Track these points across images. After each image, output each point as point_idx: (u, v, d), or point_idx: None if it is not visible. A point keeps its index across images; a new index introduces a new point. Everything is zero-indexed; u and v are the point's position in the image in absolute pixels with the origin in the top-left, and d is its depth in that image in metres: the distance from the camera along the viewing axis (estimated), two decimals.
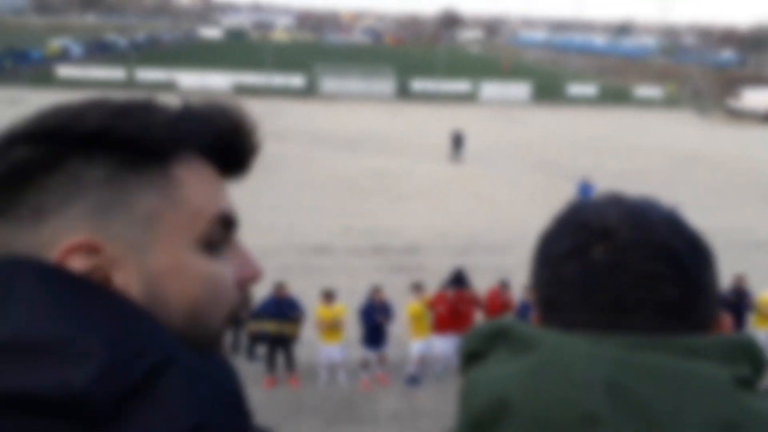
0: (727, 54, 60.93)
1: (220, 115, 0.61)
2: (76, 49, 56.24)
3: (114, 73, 42.02)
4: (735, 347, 0.63)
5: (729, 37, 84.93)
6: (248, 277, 0.62)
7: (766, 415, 0.59)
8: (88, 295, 0.49)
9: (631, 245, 0.65)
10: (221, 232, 0.59)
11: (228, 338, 9.07)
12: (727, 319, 0.71)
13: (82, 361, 0.44)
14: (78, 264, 0.51)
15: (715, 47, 74.76)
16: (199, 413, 0.47)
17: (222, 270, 0.58)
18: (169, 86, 39.16)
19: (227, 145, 0.61)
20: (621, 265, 0.65)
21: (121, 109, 0.55)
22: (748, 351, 0.64)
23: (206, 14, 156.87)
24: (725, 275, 9.22)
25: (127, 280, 0.53)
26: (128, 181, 0.54)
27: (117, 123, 0.53)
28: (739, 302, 9.54)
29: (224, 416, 0.50)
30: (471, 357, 0.70)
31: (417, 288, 8.86)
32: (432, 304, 8.85)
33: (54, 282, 0.49)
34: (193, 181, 0.57)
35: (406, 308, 8.90)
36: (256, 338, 8.78)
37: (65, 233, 0.51)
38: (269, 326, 8.47)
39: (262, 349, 9.04)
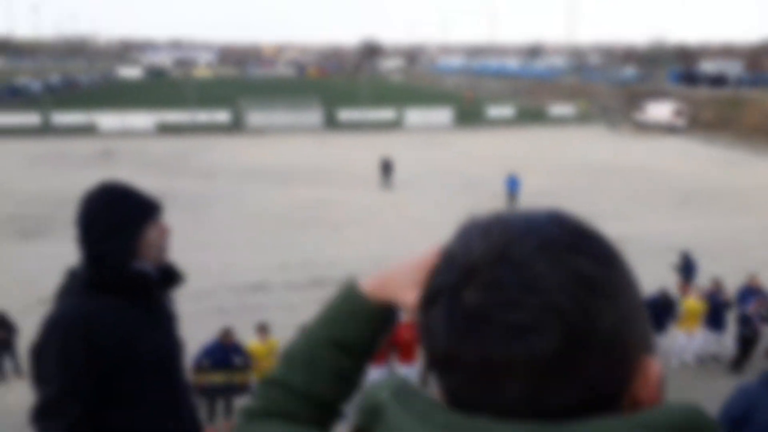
0: (629, 71, 65.28)
1: None
2: None
3: (28, 118, 40.00)
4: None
5: (630, 55, 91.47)
6: None
7: None
8: None
9: (494, 285, 0.51)
10: None
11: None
12: (653, 367, 0.53)
13: None
14: None
15: (618, 65, 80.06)
16: None
17: None
18: (88, 129, 37.74)
19: None
20: (485, 313, 0.51)
21: None
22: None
23: (124, 54, 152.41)
24: (646, 282, 9.80)
25: None
26: None
27: None
28: (666, 309, 9.83)
29: None
30: None
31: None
32: (399, 332, 8.05)
33: None
34: None
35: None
36: (203, 391, 8.25)
37: None
38: (217, 377, 8.10)
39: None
